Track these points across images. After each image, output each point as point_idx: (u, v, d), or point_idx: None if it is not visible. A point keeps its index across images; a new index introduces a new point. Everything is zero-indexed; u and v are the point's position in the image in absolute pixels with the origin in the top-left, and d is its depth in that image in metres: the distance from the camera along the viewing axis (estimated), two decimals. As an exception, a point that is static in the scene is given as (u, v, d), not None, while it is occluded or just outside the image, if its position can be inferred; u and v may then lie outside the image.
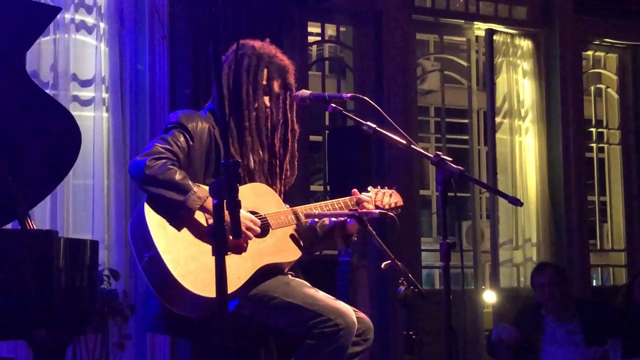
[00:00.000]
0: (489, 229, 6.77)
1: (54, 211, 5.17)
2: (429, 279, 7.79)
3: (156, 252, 3.04)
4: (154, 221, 3.10)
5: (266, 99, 3.40)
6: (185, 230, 3.13)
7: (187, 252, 3.08)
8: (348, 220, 3.42)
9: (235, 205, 2.31)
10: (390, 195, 3.58)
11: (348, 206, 3.45)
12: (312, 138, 6.39)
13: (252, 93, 3.36)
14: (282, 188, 3.49)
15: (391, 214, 3.40)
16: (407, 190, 6.05)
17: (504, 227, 6.71)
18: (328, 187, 6.00)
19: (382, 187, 3.60)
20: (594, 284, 7.16)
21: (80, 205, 5.35)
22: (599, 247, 7.39)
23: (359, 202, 3.46)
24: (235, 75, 3.34)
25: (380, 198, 3.53)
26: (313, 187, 6.97)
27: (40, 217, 5.04)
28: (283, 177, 3.48)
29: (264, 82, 3.39)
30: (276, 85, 3.41)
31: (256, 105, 3.37)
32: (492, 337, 5.31)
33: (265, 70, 3.39)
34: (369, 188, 3.57)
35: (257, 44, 3.44)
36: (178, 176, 3.11)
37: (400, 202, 3.60)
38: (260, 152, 3.40)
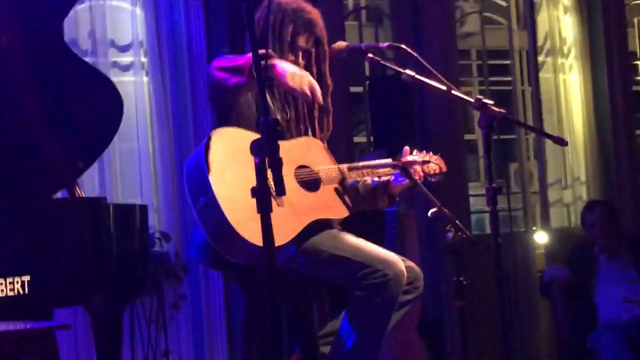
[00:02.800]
0: (537, 170, 6.72)
1: (102, 177, 5.22)
2: (478, 224, 7.75)
3: (213, 197, 3.01)
4: (213, 165, 3.07)
5: (292, 55, 3.38)
6: (242, 178, 3.12)
7: (243, 199, 3.02)
8: (392, 180, 3.42)
9: (277, 163, 2.32)
10: (436, 160, 3.58)
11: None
12: (353, 89, 6.36)
13: (279, 52, 3.34)
14: (324, 144, 3.50)
15: (438, 170, 3.42)
16: (452, 136, 6.01)
17: (552, 167, 6.65)
18: (371, 139, 5.99)
19: (427, 152, 3.60)
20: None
21: (127, 169, 5.39)
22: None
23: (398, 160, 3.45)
24: (262, 34, 3.32)
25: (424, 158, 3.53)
26: (356, 139, 6.96)
27: (89, 184, 5.08)
28: (316, 134, 3.47)
29: (289, 39, 3.36)
30: (302, 41, 3.39)
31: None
32: (545, 278, 5.31)
33: (291, 26, 3.37)
34: (414, 152, 3.57)
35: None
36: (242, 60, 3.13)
37: (444, 168, 3.60)
38: (290, 110, 3.39)
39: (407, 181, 3.41)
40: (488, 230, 8.07)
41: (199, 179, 3.07)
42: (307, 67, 3.41)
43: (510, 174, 4.93)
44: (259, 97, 2.56)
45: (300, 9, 3.41)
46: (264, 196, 2.29)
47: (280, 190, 2.34)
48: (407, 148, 3.53)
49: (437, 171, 3.57)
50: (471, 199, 6.34)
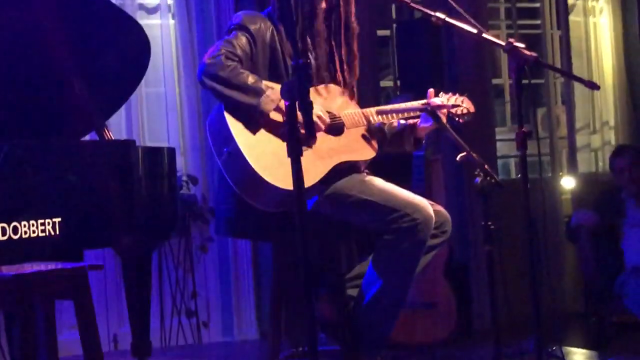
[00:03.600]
0: (564, 115, 6.65)
1: (129, 120, 5.24)
2: (504, 168, 7.72)
3: (236, 146, 3.06)
4: (233, 117, 3.12)
5: (323, 2, 3.34)
6: (261, 129, 3.15)
7: (266, 146, 3.10)
8: (419, 122, 3.41)
9: (307, 106, 2.32)
10: (462, 101, 3.55)
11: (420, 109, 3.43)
12: (380, 32, 6.30)
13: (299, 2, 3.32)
14: (344, 89, 3.47)
15: (465, 111, 3.39)
16: (480, 80, 5.95)
17: (580, 112, 6.58)
18: (398, 83, 5.95)
19: (454, 94, 3.56)
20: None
21: (154, 113, 5.42)
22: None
23: (430, 104, 3.42)
24: None
25: (452, 101, 3.50)
26: (382, 83, 6.91)
27: (116, 127, 5.11)
28: (343, 78, 3.45)
29: None
30: None
31: (312, 7, 3.32)
32: (572, 222, 5.30)
33: None
34: (440, 94, 3.54)
35: None
36: (251, 79, 3.12)
37: (472, 108, 3.58)
38: (317, 54, 3.37)
39: (433, 123, 3.40)
40: (514, 175, 8.06)
41: (221, 131, 3.12)
42: (331, 11, 3.38)
43: (537, 119, 4.88)
44: (291, 41, 2.54)
45: None
46: (295, 138, 2.28)
47: (311, 133, 2.34)
48: (431, 90, 3.51)
49: (465, 112, 3.55)
50: (497, 144, 6.31)
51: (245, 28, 3.26)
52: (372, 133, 3.45)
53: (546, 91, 6.58)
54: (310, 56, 3.34)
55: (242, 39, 3.23)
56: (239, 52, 3.19)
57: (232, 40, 3.22)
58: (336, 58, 3.42)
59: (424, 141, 3.57)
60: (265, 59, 3.29)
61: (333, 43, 3.40)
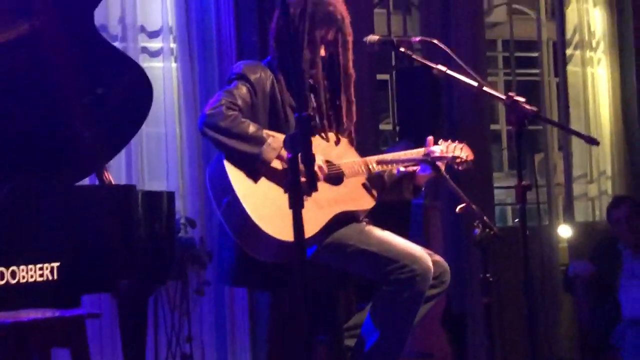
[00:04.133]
0: (562, 162, 6.67)
1: (129, 159, 5.21)
2: (501, 215, 7.75)
3: (235, 196, 3.06)
4: (232, 166, 3.13)
5: (322, 48, 3.36)
6: (262, 177, 3.16)
7: (265, 196, 3.10)
8: (418, 170, 3.41)
9: (310, 159, 2.32)
10: (461, 149, 3.56)
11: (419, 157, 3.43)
12: (379, 77, 6.34)
13: (307, 45, 3.32)
14: (342, 135, 3.47)
15: (463, 158, 3.39)
16: (478, 127, 5.97)
17: (578, 160, 6.60)
18: (397, 128, 5.97)
19: (453, 141, 3.57)
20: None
21: (154, 153, 5.39)
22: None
23: (429, 153, 3.43)
24: (288, 30, 3.27)
25: (451, 150, 3.51)
26: (381, 127, 6.94)
27: (116, 166, 5.07)
28: (340, 124, 3.46)
29: (306, 34, 3.32)
30: (322, 34, 3.34)
31: (312, 55, 3.34)
32: (569, 273, 5.29)
33: (308, 20, 3.33)
34: (440, 141, 3.55)
35: None
36: (252, 128, 3.13)
37: (470, 156, 3.58)
38: (317, 102, 3.38)
39: (432, 173, 3.40)
40: (511, 222, 8.08)
41: (221, 182, 3.12)
42: (332, 57, 3.40)
43: (535, 166, 4.90)
44: (295, 93, 2.56)
45: (320, 1, 3.37)
46: (297, 191, 2.28)
47: (313, 186, 2.34)
48: (430, 138, 3.51)
49: (464, 159, 3.55)
50: (495, 191, 6.32)
51: (245, 78, 3.27)
52: (372, 181, 3.45)
53: (544, 137, 6.60)
54: (310, 105, 3.36)
55: (243, 89, 3.24)
56: (239, 102, 3.20)
57: (232, 91, 3.23)
58: (336, 105, 3.43)
59: (423, 189, 3.57)
60: (266, 108, 3.30)
61: (332, 90, 3.41)
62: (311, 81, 3.35)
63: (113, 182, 3.84)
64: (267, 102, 3.29)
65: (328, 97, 3.41)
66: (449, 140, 3.58)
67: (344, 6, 3.43)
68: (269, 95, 3.29)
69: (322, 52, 3.37)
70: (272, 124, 3.28)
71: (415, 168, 3.45)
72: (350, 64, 3.45)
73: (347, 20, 3.42)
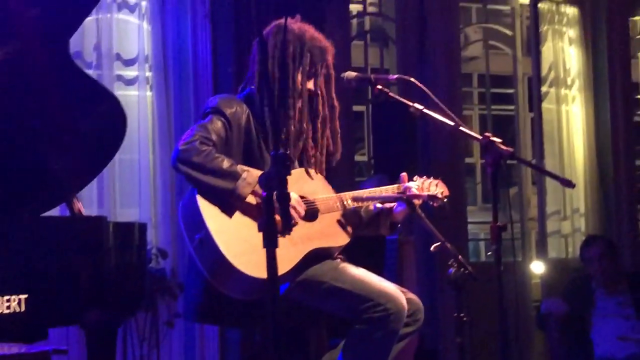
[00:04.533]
0: (535, 197, 6.69)
1: (101, 187, 5.19)
2: (475, 250, 7.75)
3: (207, 233, 3.02)
4: (205, 202, 3.09)
5: (310, 84, 3.36)
6: (236, 212, 3.12)
7: (239, 233, 3.06)
8: (395, 207, 3.39)
9: (285, 198, 2.29)
10: (437, 185, 3.54)
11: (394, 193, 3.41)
12: (355, 108, 6.35)
13: (301, 79, 3.33)
14: (326, 165, 3.45)
15: (439, 197, 3.37)
16: (453, 162, 6.00)
17: (552, 197, 6.62)
18: (372, 161, 5.95)
19: (429, 177, 3.56)
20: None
21: (126, 181, 5.36)
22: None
23: (405, 190, 3.41)
24: (282, 64, 3.29)
25: (427, 187, 3.49)
26: (356, 158, 6.93)
27: (87, 193, 5.05)
28: (325, 154, 3.44)
29: (308, 68, 3.34)
30: (319, 68, 3.37)
31: (301, 89, 3.34)
32: (542, 310, 5.28)
33: (309, 54, 3.34)
34: (415, 177, 3.53)
35: (295, 26, 3.37)
36: (226, 163, 3.09)
37: (446, 192, 3.56)
38: (304, 136, 3.37)
39: (407, 209, 3.38)
40: (484, 257, 8.07)
41: (193, 217, 3.07)
42: (316, 91, 3.39)
43: (509, 201, 4.90)
44: (271, 131, 2.53)
45: (315, 37, 3.38)
46: (271, 230, 2.24)
47: (288, 225, 2.31)
48: (404, 174, 3.49)
49: (440, 195, 3.54)
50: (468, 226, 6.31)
51: (220, 112, 3.23)
52: (347, 218, 3.42)
53: (518, 172, 6.62)
54: (295, 141, 3.34)
55: (218, 123, 3.21)
56: (213, 136, 3.16)
57: (206, 125, 3.19)
58: (319, 137, 3.41)
59: (399, 225, 3.55)
60: (240, 142, 3.26)
61: (317, 122, 3.40)
62: (292, 113, 3.32)
63: (83, 212, 3.78)
64: (242, 137, 3.26)
65: (312, 130, 3.39)
66: (424, 177, 3.56)
67: (331, 44, 3.44)
68: (244, 129, 3.26)
69: (311, 86, 3.36)
70: (246, 158, 3.25)
71: (392, 205, 3.43)
72: (335, 96, 3.44)
73: (333, 56, 3.42)
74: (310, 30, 3.39)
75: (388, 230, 3.48)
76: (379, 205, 3.41)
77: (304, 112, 3.35)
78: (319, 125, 3.40)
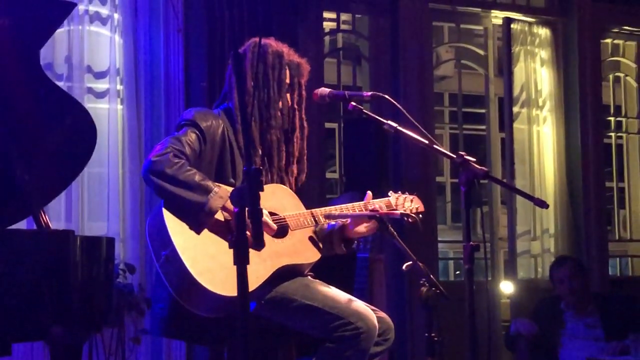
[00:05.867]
0: (505, 216, 6.70)
1: (69, 200, 5.14)
2: (444, 269, 7.74)
3: (174, 250, 2.99)
4: (172, 218, 3.05)
5: (288, 96, 3.36)
6: (204, 229, 3.08)
7: (206, 250, 3.03)
8: (349, 224, 3.37)
9: (257, 214, 2.26)
10: (411, 201, 3.52)
11: (364, 211, 3.38)
12: (327, 125, 6.35)
13: (277, 92, 3.32)
14: (295, 186, 3.44)
15: (413, 215, 3.35)
16: (424, 179, 6.01)
17: (522, 217, 6.63)
18: (343, 178, 5.94)
19: (403, 192, 3.54)
20: (612, 273, 7.08)
21: (95, 195, 5.32)
22: (617, 236, 7.30)
23: (373, 208, 3.39)
24: (263, 75, 3.30)
25: (401, 202, 3.48)
26: (328, 175, 6.92)
27: (55, 206, 5.01)
28: (295, 175, 3.43)
29: (287, 81, 3.35)
30: (296, 83, 3.37)
31: (280, 104, 3.33)
32: (511, 331, 5.27)
33: (287, 68, 3.36)
34: (389, 193, 3.51)
35: (272, 42, 3.39)
36: (198, 177, 3.06)
37: (421, 208, 3.54)
38: (283, 151, 3.36)
39: (368, 228, 3.35)
40: (452, 277, 8.07)
41: (159, 234, 3.04)
42: (288, 109, 3.38)
43: (482, 220, 4.91)
44: (244, 145, 2.51)
45: (292, 53, 3.40)
46: (243, 247, 2.21)
47: (260, 242, 2.28)
48: (369, 193, 3.47)
49: (414, 211, 3.51)
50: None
51: (196, 125, 3.21)
52: (318, 234, 3.39)
53: (487, 191, 6.64)
54: (274, 155, 3.32)
55: (192, 136, 3.18)
56: (186, 149, 3.13)
57: (180, 138, 3.16)
58: (290, 157, 3.39)
59: (354, 244, 3.51)
60: (214, 157, 3.23)
61: (295, 141, 3.38)
62: (273, 123, 3.31)
63: (50, 225, 3.74)
64: (216, 152, 3.23)
65: (285, 149, 3.38)
66: (399, 192, 3.55)
67: (306, 62, 3.45)
68: (219, 144, 3.24)
69: (288, 99, 3.35)
70: (219, 174, 3.22)
71: (345, 221, 3.40)
72: (304, 117, 3.44)
73: (308, 73, 3.43)
74: (286, 47, 3.41)
75: (343, 248, 3.44)
76: (332, 222, 3.39)
77: (283, 124, 3.34)
78: (294, 139, 3.39)
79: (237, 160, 3.25)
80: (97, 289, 3.59)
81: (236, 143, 3.26)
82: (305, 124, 3.44)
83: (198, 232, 3.05)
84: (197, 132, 3.19)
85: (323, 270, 3.44)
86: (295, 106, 3.39)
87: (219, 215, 3.09)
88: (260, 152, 3.31)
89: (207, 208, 3.03)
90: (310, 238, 3.34)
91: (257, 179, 2.26)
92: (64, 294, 3.35)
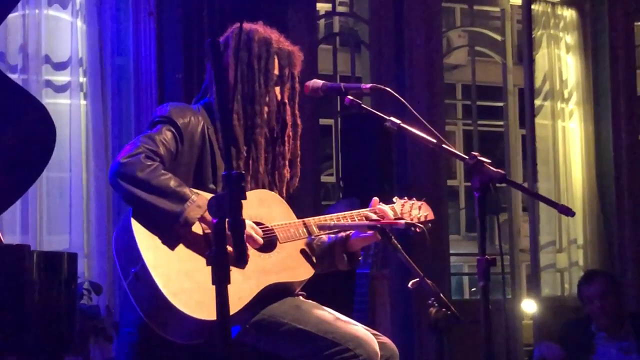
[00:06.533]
0: (527, 225, 6.70)
1: (25, 210, 5.16)
2: (457, 286, 7.75)
3: (144, 267, 2.97)
4: (143, 230, 3.04)
5: (277, 90, 3.35)
6: (179, 243, 3.08)
7: (180, 267, 3.02)
8: (351, 234, 3.36)
9: (238, 226, 2.25)
10: (420, 208, 3.51)
11: (367, 219, 3.38)
12: (322, 121, 6.35)
13: (264, 85, 3.31)
14: (286, 192, 3.43)
15: (420, 225, 3.34)
16: (433, 184, 6.02)
17: (545, 226, 6.65)
18: (341, 183, 5.94)
19: (410, 198, 3.53)
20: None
21: (55, 204, 5.33)
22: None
23: (379, 215, 3.38)
24: (248, 65, 3.28)
25: (407, 210, 3.47)
26: (323, 178, 6.92)
27: (8, 218, 5.02)
28: (287, 180, 3.42)
29: (276, 72, 3.33)
30: (286, 74, 3.36)
31: (267, 98, 3.32)
32: (535, 356, 5.28)
33: (276, 58, 3.34)
34: (395, 199, 3.50)
35: (260, 27, 3.37)
36: (174, 182, 3.05)
37: (431, 216, 3.53)
38: (270, 152, 3.36)
39: (371, 234, 3.35)
40: (467, 294, 8.07)
41: (128, 248, 3.02)
42: (278, 111, 3.37)
43: (499, 230, 4.89)
44: (224, 147, 2.50)
45: (282, 40, 3.37)
46: (222, 264, 2.20)
47: (242, 259, 2.27)
48: (375, 199, 3.46)
49: (422, 219, 3.51)
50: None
51: (172, 121, 3.20)
52: (311, 247, 3.39)
53: (507, 197, 6.64)
54: (261, 157, 3.31)
55: (167, 134, 3.17)
56: (161, 150, 3.12)
57: (154, 136, 3.15)
58: (279, 159, 3.39)
59: (360, 257, 3.51)
60: (192, 158, 3.22)
61: (286, 140, 3.38)
62: (258, 121, 3.31)
63: (2, 239, 3.74)
64: (195, 152, 3.22)
65: (272, 152, 3.38)
66: (405, 198, 3.54)
67: (300, 51, 3.42)
68: (198, 144, 3.23)
69: (277, 93, 3.35)
70: (197, 178, 3.21)
71: (348, 232, 3.40)
72: (298, 113, 3.42)
73: (301, 66, 3.41)
74: (276, 33, 3.39)
75: (346, 263, 3.43)
76: (332, 235, 3.39)
77: (271, 122, 3.33)
78: (284, 138, 3.38)
79: (219, 162, 3.24)
80: (58, 313, 3.59)
81: (217, 143, 3.25)
82: (298, 121, 3.43)
83: (172, 246, 3.03)
84: (173, 130, 3.18)
85: (316, 289, 3.43)
86: (286, 100, 3.39)
87: (197, 228, 3.08)
88: (244, 154, 3.30)
89: (182, 219, 3.02)
90: (302, 252, 3.33)
91: (238, 184, 2.24)
92: (19, 319, 3.35)
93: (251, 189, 3.29)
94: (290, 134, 3.41)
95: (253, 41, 3.32)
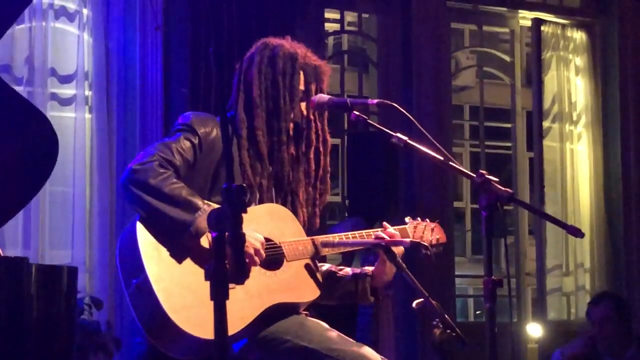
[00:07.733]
0: (533, 248, 6.66)
1: (27, 224, 5.13)
2: (462, 309, 7.69)
3: (146, 279, 2.93)
4: (148, 240, 2.99)
5: (303, 106, 3.31)
6: (185, 256, 3.01)
7: (183, 281, 2.97)
8: (375, 267, 3.33)
9: (238, 241, 2.19)
10: (432, 230, 3.47)
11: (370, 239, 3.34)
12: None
13: (289, 101, 3.28)
14: (317, 209, 3.40)
15: (427, 246, 3.30)
16: (440, 205, 5.99)
17: (552, 249, 6.61)
18: (347, 202, 5.90)
19: (423, 219, 3.48)
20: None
21: (58, 218, 5.30)
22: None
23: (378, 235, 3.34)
24: (272, 81, 3.26)
25: (419, 233, 3.43)
26: (329, 198, 6.87)
27: (10, 231, 5.01)
28: (319, 195, 3.40)
29: (302, 87, 3.30)
30: (314, 90, 3.32)
31: (292, 115, 3.28)
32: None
33: (302, 73, 3.31)
34: (406, 219, 3.47)
35: (285, 42, 3.35)
36: (185, 192, 3.01)
37: (443, 239, 3.50)
38: (298, 168, 3.33)
39: (382, 256, 3.31)
40: (472, 317, 8.01)
41: (131, 258, 2.98)
42: (302, 130, 3.34)
43: (506, 252, 4.85)
44: (224, 159, 2.45)
45: (309, 55, 3.36)
46: (221, 279, 2.14)
47: (241, 275, 2.21)
48: (385, 223, 3.42)
49: (434, 242, 3.47)
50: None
51: (193, 130, 3.17)
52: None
53: (514, 219, 6.60)
54: (290, 172, 3.29)
55: (186, 143, 3.15)
56: (176, 159, 3.09)
57: (171, 145, 3.12)
58: (305, 176, 3.35)
59: (385, 292, 3.49)
60: (210, 169, 3.19)
61: (311, 156, 3.35)
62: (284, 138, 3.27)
63: (1, 252, 3.69)
64: (214, 163, 3.19)
65: (304, 170, 3.35)
66: (418, 219, 3.50)
67: (328, 67, 3.42)
68: (217, 155, 3.19)
69: (303, 109, 3.32)
70: (212, 191, 3.17)
71: (369, 268, 3.37)
72: (327, 128, 3.40)
73: (328, 76, 3.40)
74: (302, 48, 3.37)
75: (369, 298, 3.41)
76: (357, 270, 3.35)
77: (297, 138, 3.31)
78: (311, 156, 3.35)
79: (237, 174, 3.20)
80: (57, 328, 3.52)
81: (239, 158, 3.21)
82: (327, 137, 3.41)
83: (177, 259, 2.98)
84: (192, 139, 3.16)
85: (320, 308, 3.39)
86: (312, 117, 3.35)
87: (204, 241, 3.03)
88: (270, 170, 3.26)
89: (193, 228, 2.97)
90: (309, 271, 3.28)
91: (239, 197, 2.19)
92: (16, 334, 3.29)
93: (268, 201, 3.27)
94: (322, 149, 3.38)
95: (278, 57, 3.30)
